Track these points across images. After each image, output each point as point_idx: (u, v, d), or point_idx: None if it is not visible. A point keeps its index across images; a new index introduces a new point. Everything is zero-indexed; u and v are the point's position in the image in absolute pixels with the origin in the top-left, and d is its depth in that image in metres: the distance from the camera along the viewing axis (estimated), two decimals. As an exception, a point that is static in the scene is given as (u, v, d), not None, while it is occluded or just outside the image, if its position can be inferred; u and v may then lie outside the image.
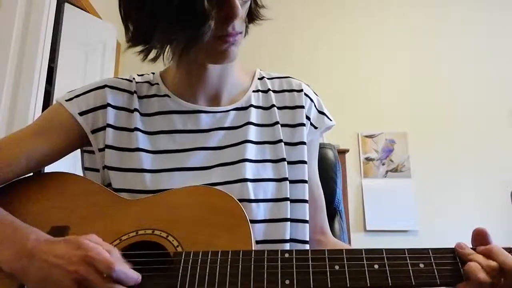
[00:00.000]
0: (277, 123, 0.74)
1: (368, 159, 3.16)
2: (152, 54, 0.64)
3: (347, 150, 2.93)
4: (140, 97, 0.75)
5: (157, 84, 0.78)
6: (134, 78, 0.78)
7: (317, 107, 0.79)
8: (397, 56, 3.34)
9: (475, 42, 3.33)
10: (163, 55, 0.65)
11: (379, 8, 3.46)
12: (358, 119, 3.17)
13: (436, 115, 3.19)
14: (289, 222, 0.66)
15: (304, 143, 0.73)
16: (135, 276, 0.49)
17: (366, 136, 3.20)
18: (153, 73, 0.81)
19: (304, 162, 0.72)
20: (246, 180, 0.65)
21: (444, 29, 3.37)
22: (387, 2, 3.47)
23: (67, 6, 2.47)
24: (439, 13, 3.41)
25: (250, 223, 0.57)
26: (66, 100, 0.73)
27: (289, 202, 0.67)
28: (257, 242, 0.62)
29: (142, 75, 0.81)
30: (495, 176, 3.01)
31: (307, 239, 0.69)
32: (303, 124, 0.74)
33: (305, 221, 0.69)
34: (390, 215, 2.99)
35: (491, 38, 3.33)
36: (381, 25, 3.42)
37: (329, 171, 1.04)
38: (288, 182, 0.68)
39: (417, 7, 3.44)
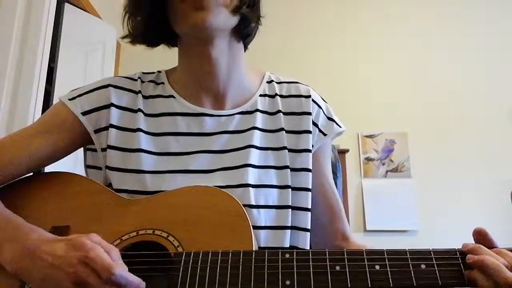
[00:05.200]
0: (282, 129, 0.73)
1: (368, 159, 3.16)
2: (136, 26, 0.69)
3: (347, 150, 2.93)
4: (145, 97, 0.75)
5: (163, 83, 0.77)
6: (139, 77, 0.77)
7: (325, 113, 0.78)
8: (397, 56, 3.34)
9: (475, 42, 3.33)
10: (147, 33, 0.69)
11: (379, 8, 3.45)
12: (358, 119, 3.16)
13: (436, 115, 3.19)
14: (289, 230, 0.66)
15: (309, 150, 0.72)
16: (136, 282, 0.47)
17: (366, 136, 3.20)
18: (159, 72, 0.80)
19: (308, 170, 0.71)
20: (248, 185, 0.64)
21: (444, 29, 3.37)
22: (387, 2, 3.47)
23: (67, 6, 2.46)
24: (439, 13, 3.41)
25: None
26: (69, 99, 0.72)
27: (290, 210, 0.66)
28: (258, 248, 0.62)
29: (147, 73, 0.80)
30: (495, 176, 3.01)
31: (308, 247, 0.68)
32: (309, 131, 0.73)
33: (306, 230, 0.68)
34: (390, 215, 2.99)
35: (491, 38, 3.33)
36: (381, 25, 3.42)
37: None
38: (290, 189, 0.68)
39: (417, 7, 3.44)
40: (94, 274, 0.46)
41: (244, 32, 0.71)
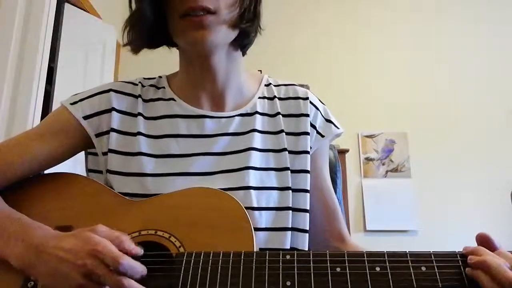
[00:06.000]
0: (282, 131, 0.73)
1: (368, 159, 3.16)
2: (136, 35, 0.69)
3: (347, 150, 2.93)
4: (145, 101, 0.75)
5: (163, 87, 0.78)
6: (140, 82, 0.78)
7: (323, 115, 0.78)
8: (397, 56, 3.34)
9: (475, 41, 3.33)
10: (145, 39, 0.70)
11: (379, 8, 3.46)
12: (358, 119, 3.17)
13: (436, 115, 3.19)
14: (290, 232, 0.66)
15: (307, 152, 0.72)
16: (140, 269, 0.49)
17: (366, 136, 3.20)
18: (160, 77, 0.81)
19: (307, 171, 0.71)
20: (249, 187, 0.65)
21: (444, 29, 3.37)
22: (387, 2, 3.47)
23: (67, 6, 2.46)
24: (439, 13, 3.41)
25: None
26: (71, 104, 0.73)
27: (291, 211, 0.67)
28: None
29: (149, 78, 0.81)
30: (495, 176, 3.01)
31: (307, 248, 0.69)
32: (307, 133, 0.74)
33: (305, 231, 0.69)
34: (390, 215, 2.99)
35: (491, 38, 3.33)
36: (381, 25, 3.42)
37: (329, 171, 1.04)
38: (290, 191, 0.68)
39: (417, 7, 3.44)
40: (102, 265, 0.48)
41: (243, 43, 0.72)
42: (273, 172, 0.69)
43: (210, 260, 0.52)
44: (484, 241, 0.52)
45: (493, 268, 0.46)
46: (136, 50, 0.71)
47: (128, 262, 0.48)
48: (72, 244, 0.50)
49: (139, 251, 0.52)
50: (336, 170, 1.04)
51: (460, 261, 0.49)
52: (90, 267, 0.48)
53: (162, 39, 0.71)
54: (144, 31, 0.68)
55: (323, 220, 0.75)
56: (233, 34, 0.68)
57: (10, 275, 0.55)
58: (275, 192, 0.67)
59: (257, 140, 0.71)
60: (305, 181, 0.71)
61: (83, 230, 0.52)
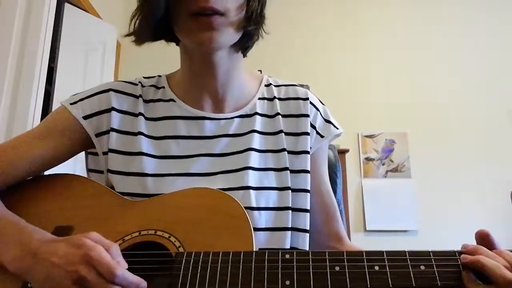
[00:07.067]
0: (281, 131, 0.73)
1: (368, 159, 3.16)
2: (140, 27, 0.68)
3: (347, 150, 2.93)
4: (145, 101, 0.75)
5: (163, 87, 0.78)
6: (140, 82, 0.78)
7: (323, 116, 0.78)
8: (397, 56, 3.34)
9: (475, 42, 3.33)
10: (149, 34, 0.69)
11: (379, 8, 3.46)
12: (358, 119, 3.17)
13: (436, 115, 3.19)
14: (289, 231, 0.66)
15: (307, 152, 0.73)
16: (137, 282, 0.48)
17: (366, 136, 3.20)
18: (160, 76, 0.81)
19: (307, 171, 0.71)
20: (248, 188, 0.65)
21: (444, 29, 3.37)
22: (387, 2, 3.47)
23: (67, 6, 2.47)
24: (439, 13, 3.41)
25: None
26: (71, 104, 0.73)
27: (290, 211, 0.67)
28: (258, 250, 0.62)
29: (148, 77, 0.80)
30: (495, 176, 3.01)
31: (307, 248, 0.69)
32: (307, 133, 0.74)
33: (305, 231, 0.69)
34: (390, 215, 2.99)
35: (491, 38, 3.33)
36: (381, 25, 3.42)
37: (329, 171, 1.04)
38: (290, 191, 0.68)
39: (417, 7, 3.44)
40: (94, 273, 0.47)
41: (245, 45, 0.72)
42: (272, 172, 0.69)
43: (210, 260, 0.52)
44: (483, 238, 0.51)
45: (488, 267, 0.46)
46: (140, 41, 0.71)
47: (123, 274, 0.47)
48: (65, 250, 0.50)
49: (124, 265, 0.50)
50: (336, 170, 1.04)
51: (459, 260, 0.49)
52: (81, 274, 0.47)
53: (165, 33, 0.71)
54: (154, 23, 0.67)
55: (321, 221, 0.76)
56: (237, 36, 0.68)
57: (8, 280, 0.55)
58: (274, 192, 0.67)
59: (256, 141, 0.71)
60: (305, 181, 0.71)
61: (77, 236, 0.52)
